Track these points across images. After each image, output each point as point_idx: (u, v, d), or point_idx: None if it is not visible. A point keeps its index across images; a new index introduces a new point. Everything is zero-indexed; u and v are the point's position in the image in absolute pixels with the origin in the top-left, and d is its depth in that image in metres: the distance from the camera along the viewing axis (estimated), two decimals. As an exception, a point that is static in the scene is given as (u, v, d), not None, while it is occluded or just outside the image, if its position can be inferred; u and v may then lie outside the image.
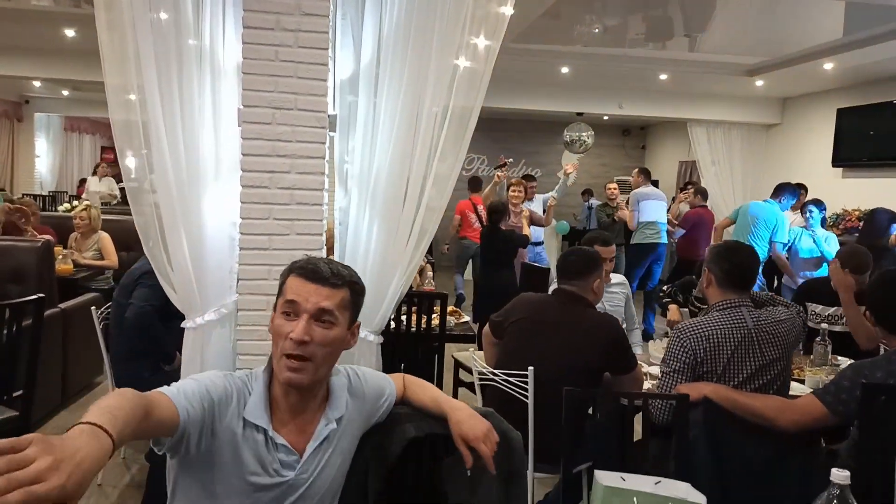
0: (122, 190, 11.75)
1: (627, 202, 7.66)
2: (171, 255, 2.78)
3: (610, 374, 2.67)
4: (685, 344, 2.38)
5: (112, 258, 5.51)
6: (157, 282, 3.28)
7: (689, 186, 8.48)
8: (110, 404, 1.07)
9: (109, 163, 15.65)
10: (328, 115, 2.77)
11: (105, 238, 5.53)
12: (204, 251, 2.79)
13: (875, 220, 5.82)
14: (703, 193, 8.06)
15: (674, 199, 9.84)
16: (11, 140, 12.82)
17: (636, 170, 7.91)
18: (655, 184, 9.30)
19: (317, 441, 1.51)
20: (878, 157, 7.30)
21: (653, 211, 7.38)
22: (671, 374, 2.39)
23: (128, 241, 6.09)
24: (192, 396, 1.38)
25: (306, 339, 1.41)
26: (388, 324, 3.07)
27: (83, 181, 12.85)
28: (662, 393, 2.32)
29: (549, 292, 3.00)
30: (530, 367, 2.57)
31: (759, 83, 7.89)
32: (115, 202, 11.22)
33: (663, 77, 7.82)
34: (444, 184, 2.99)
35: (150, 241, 2.81)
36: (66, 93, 12.11)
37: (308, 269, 1.47)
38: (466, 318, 4.15)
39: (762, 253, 5.91)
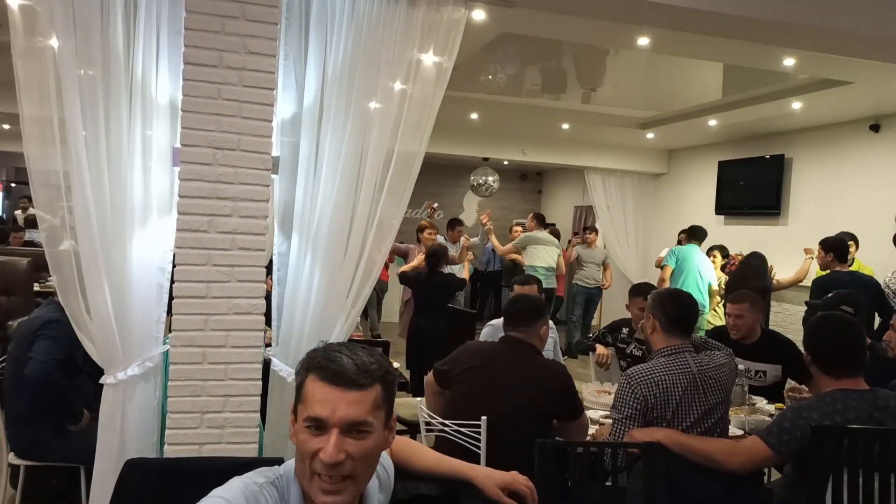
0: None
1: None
2: (89, 304, 2.53)
3: (557, 421, 2.68)
4: (636, 390, 2.44)
5: (-10, 304, 4.95)
6: (61, 332, 2.99)
7: (588, 231, 8.86)
8: None
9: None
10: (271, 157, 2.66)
11: (-18, 281, 4.98)
12: (129, 299, 2.57)
13: (751, 264, 6.41)
14: (557, 235, 8.58)
15: (569, 243, 10.26)
16: None
17: (531, 214, 8.24)
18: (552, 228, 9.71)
19: None
20: (755, 206, 7.98)
21: (541, 255, 7.67)
22: (623, 420, 2.44)
23: (8, 284, 5.53)
24: None
25: (340, 458, 1.19)
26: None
27: (13, 219, 11.29)
28: (624, 441, 2.35)
29: (496, 339, 3.00)
30: (483, 417, 2.53)
31: (650, 135, 8.45)
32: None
33: (565, 126, 8.20)
34: (388, 229, 2.95)
35: (65, 287, 2.55)
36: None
37: (330, 371, 1.22)
38: (397, 365, 4.05)
39: (700, 298, 6.33)
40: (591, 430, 2.83)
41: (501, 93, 7.25)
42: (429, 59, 2.96)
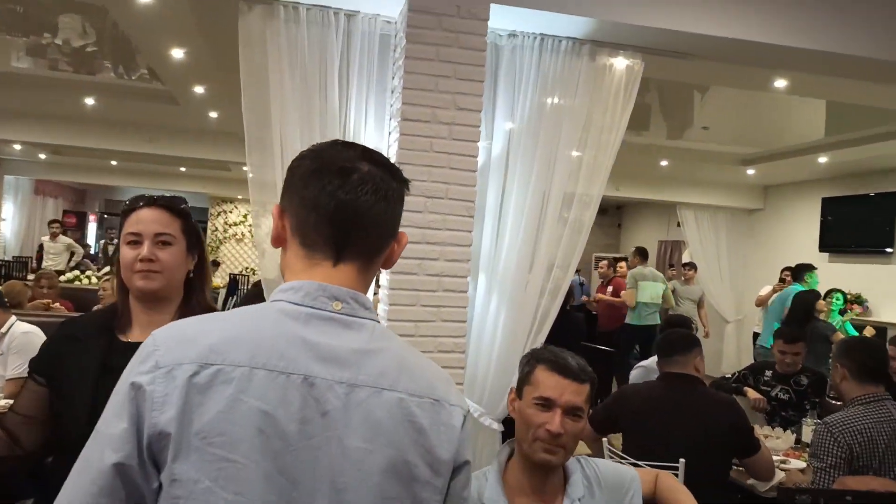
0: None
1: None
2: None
3: (737, 458, 2.71)
4: (839, 439, 2.45)
5: (141, 332, 5.29)
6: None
7: (687, 267, 8.76)
8: None
9: (71, 227, 15.05)
10: (469, 204, 2.83)
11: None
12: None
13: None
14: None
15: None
16: (-22, 203, 12.23)
17: (633, 250, 8.18)
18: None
19: None
20: (864, 245, 7.80)
21: (647, 291, 7.59)
22: (826, 469, 2.44)
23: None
24: None
25: (562, 432, 1.55)
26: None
27: (41, 246, 12.03)
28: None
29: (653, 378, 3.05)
30: (682, 460, 2.57)
31: (751, 171, 8.39)
32: (80, 258, 10.70)
33: (664, 163, 8.23)
34: (566, 268, 3.07)
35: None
36: (43, 156, 11.76)
37: (559, 364, 1.60)
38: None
39: None
40: (779, 476, 2.83)
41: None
42: (606, 107, 3.10)
